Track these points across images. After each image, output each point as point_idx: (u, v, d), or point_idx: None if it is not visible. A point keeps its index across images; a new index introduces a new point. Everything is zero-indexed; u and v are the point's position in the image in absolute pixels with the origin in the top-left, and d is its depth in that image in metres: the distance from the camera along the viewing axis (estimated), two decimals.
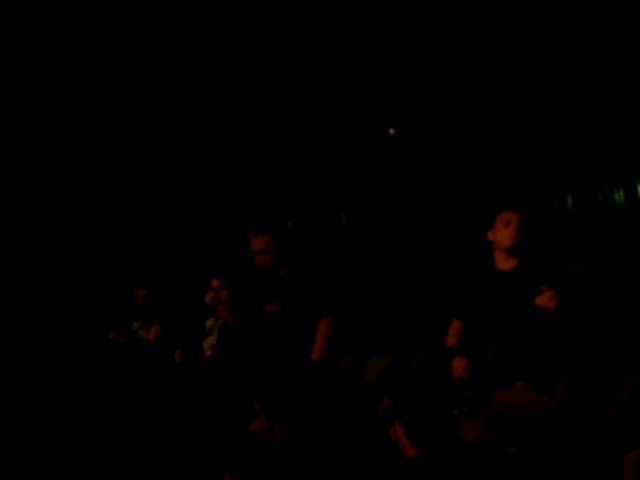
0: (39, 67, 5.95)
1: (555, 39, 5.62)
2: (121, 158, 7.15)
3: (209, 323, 5.61)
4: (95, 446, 4.43)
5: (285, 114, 6.87)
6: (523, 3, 5.35)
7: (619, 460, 3.11)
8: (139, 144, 7.07)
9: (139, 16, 5.52)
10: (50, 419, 4.83)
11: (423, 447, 2.56)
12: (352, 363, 5.46)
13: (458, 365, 3.58)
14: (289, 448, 2.56)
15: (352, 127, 7.06)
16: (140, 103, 6.61)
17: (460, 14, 5.51)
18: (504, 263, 3.64)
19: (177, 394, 4.05)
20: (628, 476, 3.04)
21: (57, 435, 4.64)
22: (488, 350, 3.52)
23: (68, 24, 5.53)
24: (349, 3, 5.52)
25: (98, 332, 5.80)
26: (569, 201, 6.63)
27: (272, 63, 6.15)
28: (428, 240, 7.31)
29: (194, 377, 4.74)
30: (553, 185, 6.71)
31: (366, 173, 7.49)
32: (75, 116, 6.63)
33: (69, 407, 4.95)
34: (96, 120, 6.72)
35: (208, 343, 5.57)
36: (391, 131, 7.08)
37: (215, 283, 5.62)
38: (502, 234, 3.60)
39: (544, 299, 3.35)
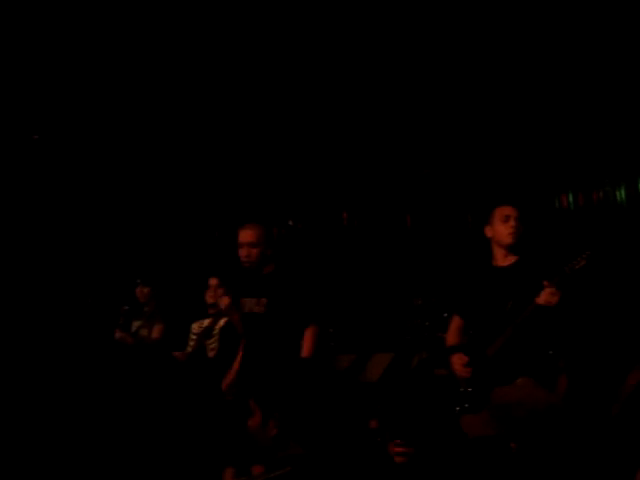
0: (39, 67, 5.95)
1: (557, 37, 5.61)
2: (126, 158, 7.16)
3: (205, 323, 5.61)
4: (97, 445, 4.44)
5: (287, 113, 6.87)
6: (525, 3, 5.35)
7: (621, 456, 3.12)
8: (143, 144, 7.08)
9: (139, 16, 5.52)
10: (54, 420, 4.84)
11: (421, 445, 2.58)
12: (354, 361, 5.46)
13: (458, 362, 3.58)
14: (282, 443, 2.57)
15: (353, 126, 7.06)
16: (141, 104, 6.61)
17: (462, 12, 5.50)
18: (503, 259, 3.62)
19: (179, 392, 4.05)
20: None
21: (60, 435, 4.65)
22: (489, 346, 3.52)
23: (68, 24, 5.53)
24: (350, 3, 5.52)
25: (104, 332, 5.79)
26: (570, 198, 6.64)
27: (275, 63, 6.14)
28: (429, 238, 7.31)
29: (196, 376, 4.75)
30: (554, 182, 6.71)
31: (367, 172, 7.49)
32: (79, 117, 6.64)
33: (73, 408, 4.96)
34: (100, 122, 6.72)
35: (209, 345, 5.58)
36: None
37: (213, 281, 5.63)
38: (501, 230, 3.57)
39: (545, 296, 3.34)
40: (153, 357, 5.39)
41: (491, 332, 3.53)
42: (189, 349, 5.55)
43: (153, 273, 6.11)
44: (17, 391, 5.21)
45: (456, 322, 3.82)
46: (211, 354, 5.49)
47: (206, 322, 5.58)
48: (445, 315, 5.56)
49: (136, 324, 5.87)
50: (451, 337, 3.80)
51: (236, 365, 4.20)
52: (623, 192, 6.36)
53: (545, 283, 3.35)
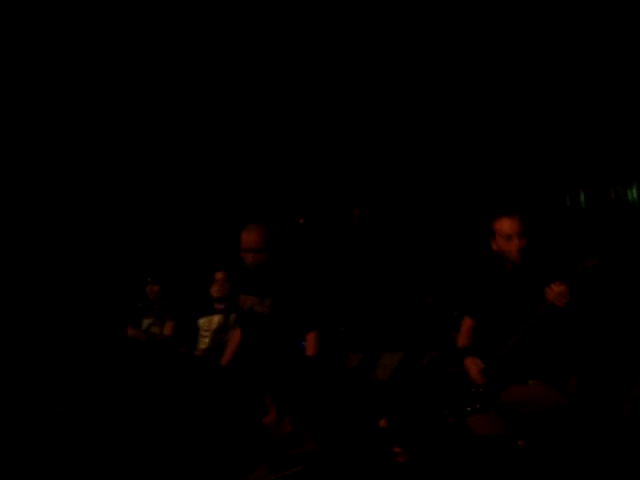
0: (39, 67, 5.97)
1: (570, 35, 5.60)
2: (138, 156, 7.18)
3: (216, 320, 5.61)
4: (108, 443, 4.46)
5: (299, 111, 6.87)
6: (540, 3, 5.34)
7: (632, 456, 3.11)
8: (156, 143, 7.09)
9: (139, 16, 5.53)
10: (64, 418, 4.86)
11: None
12: (364, 360, 5.47)
13: (474, 367, 3.56)
14: (297, 440, 2.58)
15: (364, 123, 7.05)
16: (152, 100, 6.63)
17: (473, 10, 5.50)
18: (514, 265, 3.59)
19: (195, 389, 4.06)
20: None
21: (71, 433, 4.67)
22: (501, 347, 3.52)
23: (68, 24, 5.55)
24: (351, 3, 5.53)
25: (116, 329, 5.81)
26: (581, 198, 6.62)
27: (286, 61, 6.15)
28: (439, 237, 7.30)
29: (216, 372, 4.74)
30: (565, 182, 6.69)
31: (379, 169, 7.48)
32: (86, 117, 6.66)
33: (84, 405, 4.98)
34: (109, 120, 6.74)
35: (200, 344, 5.59)
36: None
37: (219, 275, 5.63)
38: (506, 247, 3.51)
39: (557, 294, 3.32)
40: (167, 354, 5.40)
41: (504, 333, 3.52)
42: (202, 346, 5.55)
43: (163, 271, 6.12)
44: (26, 388, 5.24)
45: (467, 323, 3.81)
46: (198, 353, 5.51)
47: (216, 318, 5.58)
48: (455, 314, 5.56)
49: (146, 321, 5.89)
50: (462, 338, 3.79)
51: (224, 361, 4.19)
52: (635, 191, 6.35)
53: (557, 282, 3.33)
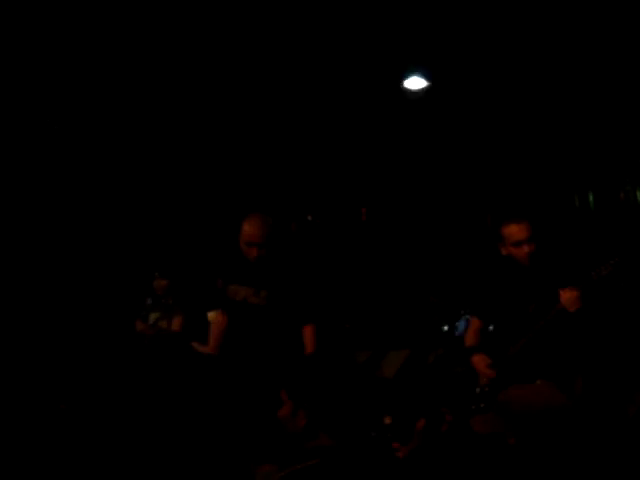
0: (39, 67, 5.99)
1: (580, 37, 5.59)
2: (146, 151, 7.19)
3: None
4: (120, 437, 4.48)
5: (306, 110, 6.88)
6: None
7: (637, 459, 3.11)
8: (164, 139, 7.11)
9: (139, 16, 5.54)
10: (66, 414, 4.88)
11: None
12: (370, 357, 5.48)
13: (481, 362, 3.56)
14: (312, 433, 2.59)
15: (372, 121, 7.06)
16: (161, 98, 6.65)
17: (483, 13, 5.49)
18: (524, 267, 3.58)
19: (200, 385, 4.05)
20: None
21: (83, 426, 4.69)
22: (509, 348, 3.52)
23: (68, 24, 5.56)
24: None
25: (124, 324, 5.82)
26: (590, 199, 6.61)
27: (295, 61, 6.16)
28: (446, 235, 7.30)
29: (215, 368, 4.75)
30: (574, 183, 6.68)
31: (387, 167, 7.48)
32: (92, 114, 6.68)
33: (91, 401, 5.00)
34: (118, 117, 6.76)
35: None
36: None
37: None
38: (515, 254, 3.49)
39: (570, 300, 3.31)
40: (172, 348, 5.40)
41: (512, 334, 3.52)
42: None
43: (170, 265, 6.12)
44: (29, 385, 5.26)
45: (475, 323, 3.81)
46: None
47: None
48: (462, 312, 5.57)
49: (153, 316, 5.89)
50: (470, 338, 3.79)
51: (213, 348, 4.18)
52: None
53: (570, 287, 3.31)
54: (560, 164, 6.62)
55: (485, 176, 7.08)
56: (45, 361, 5.60)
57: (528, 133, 6.62)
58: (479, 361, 3.59)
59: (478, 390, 3.57)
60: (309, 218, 7.78)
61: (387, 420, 2.76)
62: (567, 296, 3.31)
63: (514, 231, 3.48)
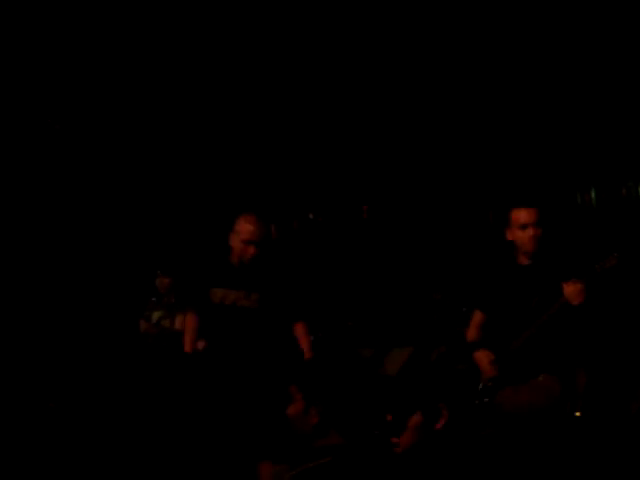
0: (39, 66, 5.99)
1: (582, 35, 5.59)
2: (149, 149, 7.19)
3: None
4: (127, 435, 4.49)
5: (307, 107, 6.87)
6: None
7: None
8: (166, 136, 7.11)
9: (139, 16, 5.54)
10: (80, 412, 4.89)
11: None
12: (373, 355, 5.48)
13: (484, 359, 3.56)
14: (323, 432, 2.59)
15: (374, 119, 7.05)
16: (163, 97, 6.65)
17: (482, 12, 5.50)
18: (527, 260, 3.59)
19: (206, 383, 4.05)
20: None
21: (91, 425, 4.70)
22: (511, 343, 3.51)
23: (68, 24, 5.56)
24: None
25: (129, 324, 5.82)
26: (592, 195, 6.61)
27: (297, 59, 6.15)
28: (448, 233, 7.30)
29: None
30: (577, 179, 6.68)
31: (389, 165, 7.48)
32: (94, 114, 6.68)
33: (99, 399, 5.01)
34: (120, 116, 6.76)
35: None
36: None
37: None
38: (520, 237, 3.51)
39: (574, 293, 3.31)
40: (175, 346, 5.40)
41: (515, 328, 3.51)
42: None
43: (173, 264, 6.12)
44: (42, 383, 5.27)
45: (477, 317, 3.80)
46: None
47: None
48: (464, 310, 5.56)
49: (156, 315, 5.89)
50: (472, 332, 3.78)
51: (188, 348, 4.14)
52: None
53: (573, 280, 3.31)
54: (562, 161, 6.62)
55: (487, 172, 7.08)
56: (49, 361, 5.61)
57: (530, 130, 6.62)
58: (482, 358, 3.59)
59: (481, 386, 3.56)
60: (310, 216, 7.78)
61: (389, 417, 2.77)
62: (570, 289, 3.31)
63: (523, 214, 3.51)
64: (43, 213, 6.71)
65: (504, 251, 3.68)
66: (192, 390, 3.91)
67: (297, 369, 3.67)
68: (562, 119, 6.46)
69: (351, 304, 6.64)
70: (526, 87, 6.30)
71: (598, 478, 3.14)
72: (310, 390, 2.65)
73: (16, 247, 6.45)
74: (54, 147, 6.77)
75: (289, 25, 5.82)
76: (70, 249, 6.80)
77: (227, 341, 4.02)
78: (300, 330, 4.08)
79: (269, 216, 4.34)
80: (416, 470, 2.56)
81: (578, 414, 3.46)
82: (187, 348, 4.09)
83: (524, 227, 3.48)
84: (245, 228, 3.97)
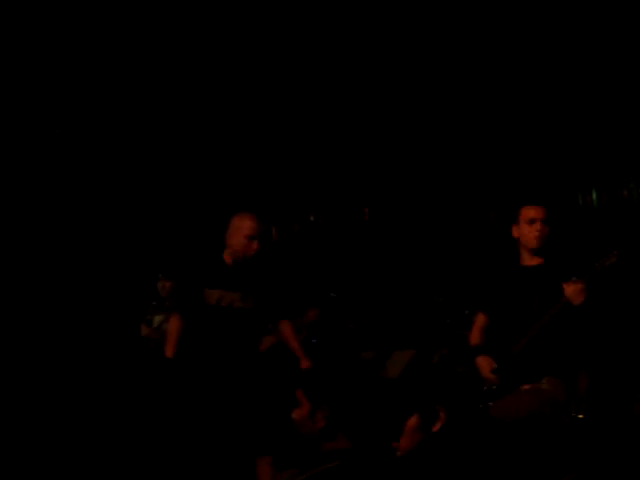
0: (39, 66, 5.99)
1: (584, 37, 5.59)
2: (150, 152, 7.20)
3: None
4: (132, 438, 4.49)
5: (309, 110, 6.88)
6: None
7: None
8: (167, 140, 7.11)
9: (139, 16, 5.54)
10: (82, 415, 4.89)
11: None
12: (375, 357, 5.47)
13: (486, 366, 3.56)
14: (330, 435, 2.58)
15: (375, 121, 7.05)
16: (163, 100, 6.65)
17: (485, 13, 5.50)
18: (530, 259, 3.60)
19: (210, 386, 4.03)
20: None
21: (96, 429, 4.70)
22: (515, 344, 3.51)
23: (68, 24, 5.57)
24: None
25: (130, 329, 5.81)
26: (594, 196, 6.61)
27: (299, 62, 6.15)
28: (450, 235, 7.30)
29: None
30: (578, 180, 6.68)
31: (390, 167, 7.48)
32: (95, 117, 6.68)
33: (101, 402, 5.00)
34: (121, 120, 6.76)
35: None
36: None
37: None
38: (527, 232, 3.55)
39: (574, 292, 3.31)
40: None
41: (517, 330, 3.51)
42: None
43: (174, 267, 6.11)
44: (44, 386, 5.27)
45: (481, 320, 3.79)
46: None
47: None
48: (466, 312, 5.56)
49: (158, 319, 5.87)
50: (475, 336, 3.78)
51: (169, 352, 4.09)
52: None
53: (574, 279, 3.32)
54: (564, 162, 6.61)
55: (488, 174, 7.08)
56: (50, 365, 5.61)
57: (532, 132, 6.62)
58: (483, 365, 3.58)
59: (485, 388, 3.56)
60: (311, 219, 7.78)
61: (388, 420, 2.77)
62: (571, 289, 3.32)
63: (532, 210, 3.57)
64: (44, 217, 6.71)
65: (506, 252, 3.69)
66: (190, 394, 3.89)
67: (299, 372, 3.67)
68: (563, 121, 6.46)
69: (352, 306, 6.63)
70: (528, 90, 6.30)
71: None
72: (316, 393, 2.64)
73: (17, 251, 6.44)
74: (54, 151, 6.77)
75: (293, 31, 5.83)
76: (71, 254, 6.80)
77: (224, 343, 4.02)
78: (287, 327, 4.12)
79: (270, 218, 4.34)
80: (418, 475, 2.55)
81: (580, 416, 3.45)
82: (169, 353, 4.04)
83: (532, 222, 3.53)
84: (246, 224, 3.99)
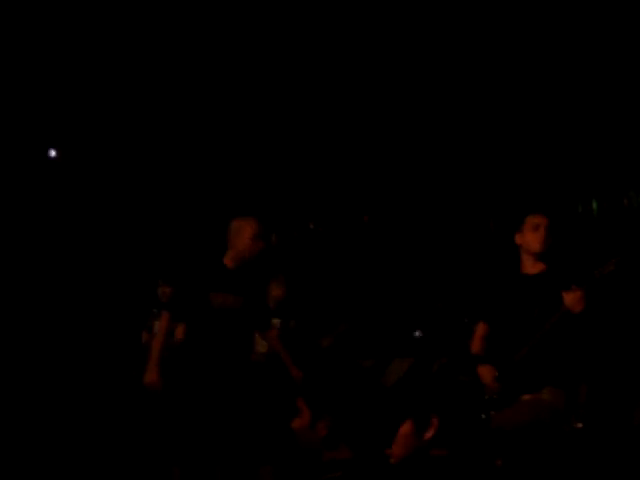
0: (40, 66, 6.00)
1: (585, 43, 5.60)
2: (152, 158, 7.20)
3: None
4: (134, 442, 4.48)
5: (309, 118, 6.89)
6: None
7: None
8: (169, 145, 7.11)
9: (139, 16, 5.55)
10: (85, 420, 4.89)
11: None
12: (374, 365, 5.46)
13: (488, 375, 3.56)
14: (332, 445, 2.57)
15: (375, 130, 7.06)
16: (164, 103, 6.65)
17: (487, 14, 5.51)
18: (532, 267, 3.61)
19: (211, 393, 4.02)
20: None
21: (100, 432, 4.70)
22: (516, 353, 3.51)
23: (68, 23, 5.58)
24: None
25: (131, 336, 5.80)
26: (594, 205, 6.61)
27: (295, 67, 6.16)
28: (450, 243, 7.30)
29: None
30: (578, 189, 6.69)
31: (390, 175, 7.49)
32: (99, 122, 6.69)
33: (103, 408, 5.00)
34: (123, 124, 6.77)
35: (259, 348, 5.54)
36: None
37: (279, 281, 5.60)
38: (531, 238, 3.58)
39: (573, 300, 3.32)
40: (181, 359, 5.36)
41: (518, 339, 3.51)
42: (262, 349, 5.47)
43: (174, 273, 6.09)
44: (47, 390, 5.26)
45: (481, 329, 3.80)
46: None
47: (276, 321, 5.52)
48: (466, 321, 5.55)
49: (158, 325, 5.86)
50: (476, 345, 3.78)
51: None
52: None
53: (573, 287, 3.33)
54: (564, 172, 6.63)
55: (489, 182, 7.09)
56: (51, 370, 5.60)
57: (532, 141, 6.63)
58: (485, 374, 3.58)
59: (487, 398, 3.55)
60: (311, 226, 7.78)
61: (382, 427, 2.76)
62: (570, 297, 3.33)
63: (537, 217, 3.61)
64: (45, 223, 6.72)
65: (506, 260, 3.70)
66: (191, 402, 3.88)
67: (299, 381, 3.67)
68: (564, 130, 6.48)
69: (352, 314, 6.62)
70: (528, 98, 6.31)
71: None
72: (317, 402, 2.63)
73: (18, 257, 6.44)
74: (56, 159, 6.78)
75: (290, 29, 5.84)
76: (73, 260, 6.80)
77: (229, 346, 4.02)
78: (273, 338, 4.19)
79: (270, 225, 4.36)
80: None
81: (580, 425, 3.45)
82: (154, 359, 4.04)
83: (537, 227, 3.56)
84: (250, 225, 4.00)
